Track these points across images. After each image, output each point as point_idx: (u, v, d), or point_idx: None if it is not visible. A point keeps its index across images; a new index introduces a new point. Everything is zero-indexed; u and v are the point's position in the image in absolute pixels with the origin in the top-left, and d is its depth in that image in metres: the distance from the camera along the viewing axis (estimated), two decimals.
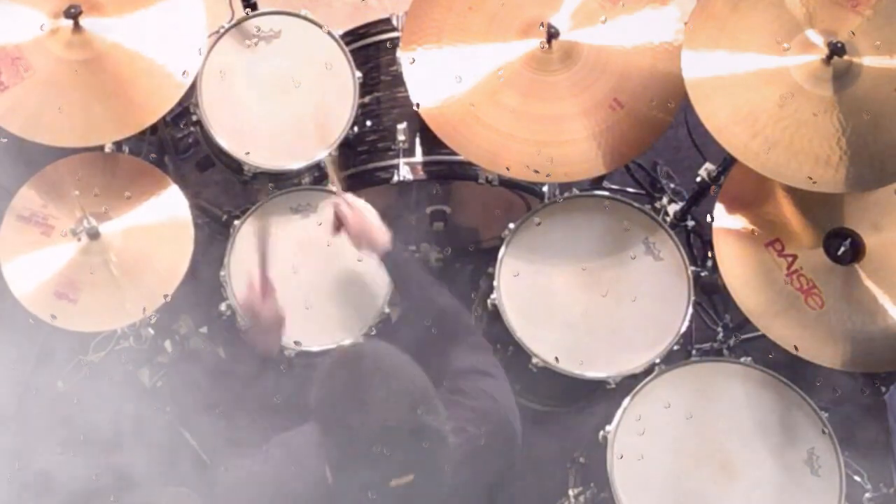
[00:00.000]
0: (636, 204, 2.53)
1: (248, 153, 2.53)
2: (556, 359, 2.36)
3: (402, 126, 2.65)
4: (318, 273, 2.49)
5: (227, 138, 2.54)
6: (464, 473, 1.81)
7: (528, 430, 2.54)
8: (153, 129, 2.77)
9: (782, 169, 2.20)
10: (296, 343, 2.39)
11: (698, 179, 2.66)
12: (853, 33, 2.22)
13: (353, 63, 2.60)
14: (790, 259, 2.37)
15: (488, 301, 2.45)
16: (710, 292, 2.73)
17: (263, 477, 1.91)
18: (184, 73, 2.40)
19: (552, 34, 2.41)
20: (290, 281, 2.46)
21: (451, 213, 2.84)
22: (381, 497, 1.68)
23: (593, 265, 2.47)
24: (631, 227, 2.50)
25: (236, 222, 2.52)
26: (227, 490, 1.97)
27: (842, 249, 2.36)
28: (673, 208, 2.76)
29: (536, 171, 2.37)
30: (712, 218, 2.41)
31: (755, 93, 2.23)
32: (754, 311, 2.33)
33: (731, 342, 2.84)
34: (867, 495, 2.37)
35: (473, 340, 2.10)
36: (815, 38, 2.24)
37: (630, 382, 2.35)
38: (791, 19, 2.27)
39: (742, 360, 2.37)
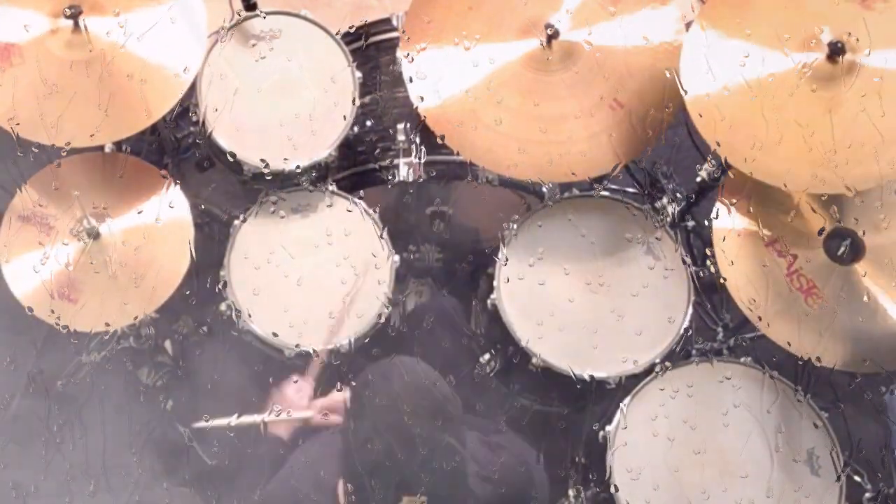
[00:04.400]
0: (636, 204, 2.53)
1: (247, 153, 2.53)
2: (555, 359, 2.36)
3: (401, 126, 2.65)
4: (318, 273, 2.48)
5: (227, 138, 2.54)
6: None
7: (528, 431, 2.54)
8: (153, 129, 2.77)
9: (782, 169, 2.20)
10: (296, 346, 2.40)
11: (698, 179, 2.66)
12: (852, 34, 2.22)
13: (353, 63, 2.60)
14: (790, 259, 2.37)
15: (488, 301, 2.45)
16: (710, 292, 2.72)
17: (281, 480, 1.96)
18: (185, 69, 2.41)
19: (552, 34, 2.41)
20: (290, 281, 2.46)
21: (451, 213, 2.84)
22: None
23: (593, 265, 2.46)
24: (631, 228, 2.50)
25: (236, 222, 2.53)
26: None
27: (842, 249, 2.35)
28: (673, 208, 2.76)
29: (537, 174, 2.37)
30: (712, 219, 2.42)
31: (755, 93, 2.23)
32: (754, 311, 2.33)
33: (732, 342, 2.83)
34: (867, 495, 2.36)
35: None
36: (816, 37, 2.24)
37: (630, 382, 2.35)
38: (792, 19, 2.27)
39: (742, 360, 2.38)
